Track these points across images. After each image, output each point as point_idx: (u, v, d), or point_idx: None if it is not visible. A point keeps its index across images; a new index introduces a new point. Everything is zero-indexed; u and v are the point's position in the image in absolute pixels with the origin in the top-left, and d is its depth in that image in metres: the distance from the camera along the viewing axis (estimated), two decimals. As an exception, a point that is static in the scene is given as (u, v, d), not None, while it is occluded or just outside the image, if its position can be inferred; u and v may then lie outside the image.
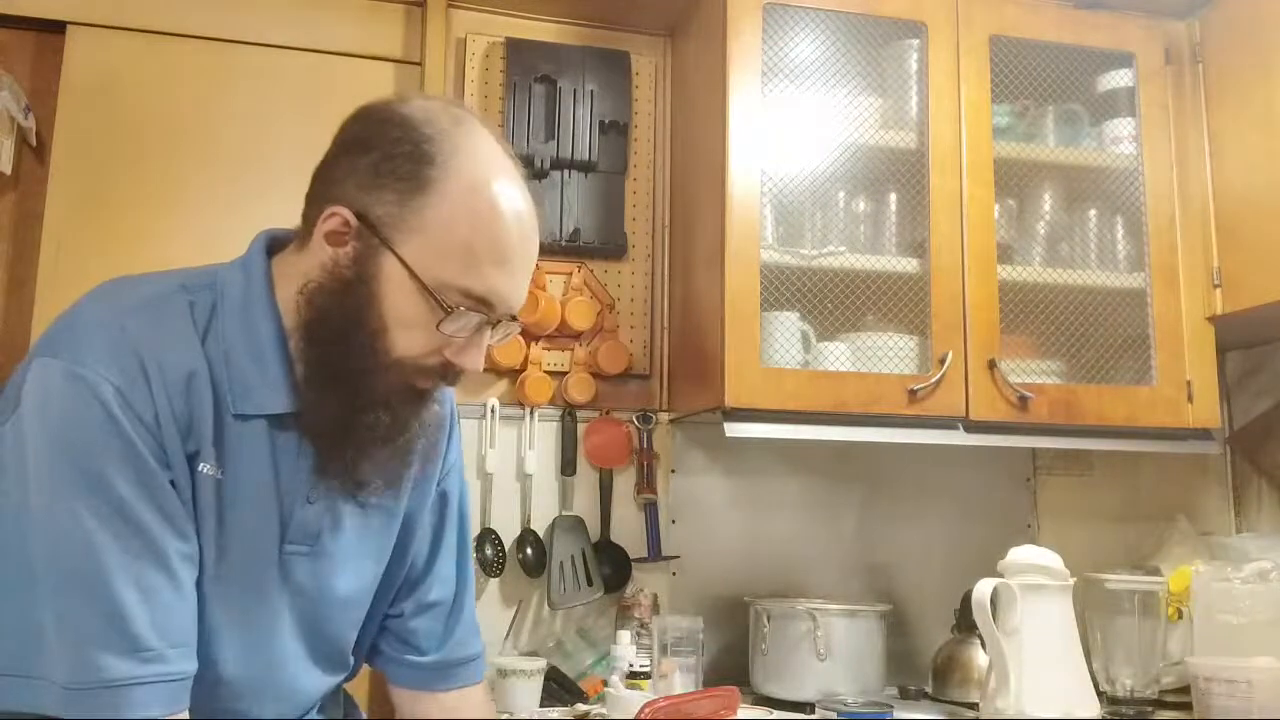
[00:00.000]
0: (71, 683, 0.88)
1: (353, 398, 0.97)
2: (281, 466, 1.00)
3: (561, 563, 1.98)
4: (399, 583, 1.20)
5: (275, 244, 1.06)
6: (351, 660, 1.18)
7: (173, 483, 0.93)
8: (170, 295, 0.98)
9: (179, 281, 1.00)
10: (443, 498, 1.22)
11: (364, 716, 1.31)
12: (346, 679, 1.20)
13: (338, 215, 0.96)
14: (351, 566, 1.10)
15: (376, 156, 0.96)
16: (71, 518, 0.88)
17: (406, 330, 0.96)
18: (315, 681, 1.11)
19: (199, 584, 0.97)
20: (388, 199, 0.95)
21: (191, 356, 0.95)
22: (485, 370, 2.05)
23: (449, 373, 1.00)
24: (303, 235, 1.01)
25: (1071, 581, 1.68)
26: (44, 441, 0.89)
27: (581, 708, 1.77)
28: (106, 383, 0.89)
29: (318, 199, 0.99)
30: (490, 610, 1.96)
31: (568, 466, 2.05)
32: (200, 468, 0.95)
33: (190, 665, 0.93)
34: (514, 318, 1.03)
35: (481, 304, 0.97)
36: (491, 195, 0.97)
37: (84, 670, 0.88)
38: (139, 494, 0.90)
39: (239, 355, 0.98)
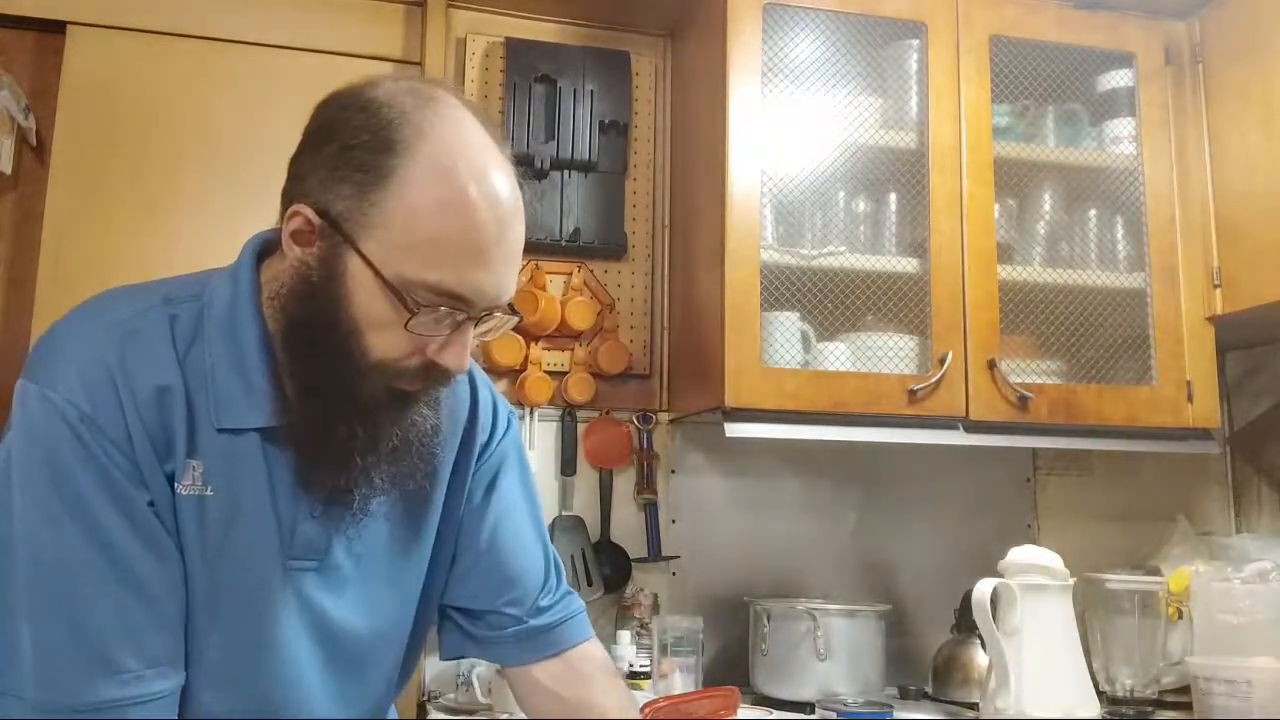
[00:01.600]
0: (41, 704, 0.86)
1: (332, 406, 0.92)
2: (279, 481, 0.96)
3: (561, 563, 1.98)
4: (447, 578, 1.14)
5: (268, 247, 1.00)
6: (393, 683, 1.11)
7: (151, 504, 0.91)
8: (150, 311, 0.95)
9: (164, 294, 0.97)
10: (490, 486, 1.15)
11: None
12: (388, 700, 1.13)
13: (300, 214, 0.90)
14: (374, 584, 1.04)
15: (337, 147, 0.90)
16: (49, 539, 0.87)
17: (379, 332, 0.90)
18: (341, 710, 1.05)
19: (192, 608, 0.94)
20: (347, 193, 0.89)
21: (165, 373, 0.92)
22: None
23: (432, 373, 0.94)
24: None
25: (1071, 581, 1.68)
26: (24, 464, 0.89)
27: (581, 708, 1.77)
28: (74, 408, 0.88)
29: (285, 196, 0.94)
30: (490, 610, 1.96)
31: (568, 466, 2.05)
32: (178, 488, 0.92)
33: (168, 682, 0.92)
34: (513, 308, 0.96)
35: (455, 300, 0.90)
36: (460, 182, 0.89)
37: (56, 691, 0.86)
38: (114, 517, 0.89)
39: (223, 368, 0.94)
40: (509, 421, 1.18)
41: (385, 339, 0.91)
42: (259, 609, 0.97)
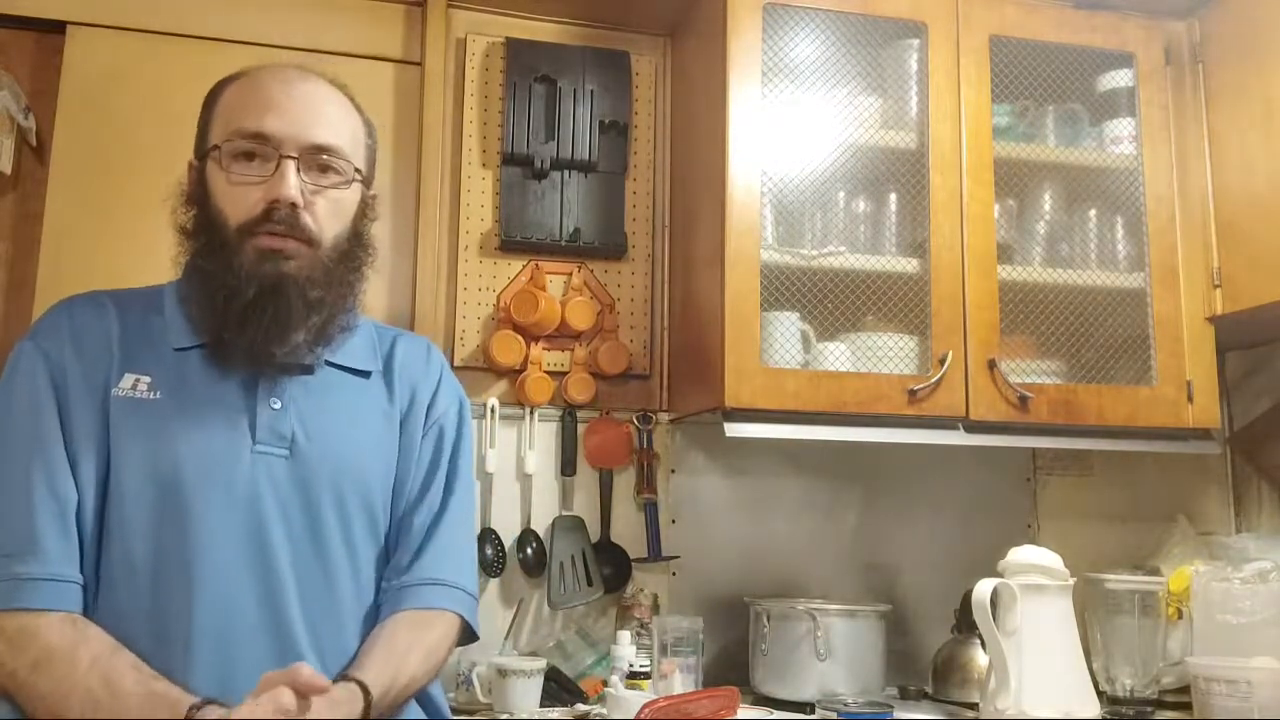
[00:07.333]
0: None
1: (222, 281, 1.13)
2: (231, 383, 1.17)
3: (561, 563, 1.98)
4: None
5: None
6: (352, 580, 1.20)
7: (62, 422, 1.11)
8: (108, 290, 1.23)
9: (129, 289, 1.25)
10: (439, 434, 1.31)
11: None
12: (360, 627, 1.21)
13: (189, 168, 1.22)
14: (350, 458, 1.20)
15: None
16: None
17: (227, 199, 1.15)
18: (306, 611, 1.14)
19: (143, 500, 1.10)
20: (201, 126, 1.21)
21: (103, 313, 1.18)
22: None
23: (275, 211, 1.14)
24: None
25: (1071, 581, 1.68)
26: None
27: (581, 708, 1.77)
28: (31, 342, 1.15)
29: None
30: (490, 610, 1.96)
31: (568, 466, 2.05)
32: (114, 392, 1.12)
33: (19, 567, 1.05)
34: (362, 177, 1.22)
35: (258, 138, 1.15)
36: (251, 72, 1.21)
37: None
38: (34, 431, 1.10)
39: (173, 310, 1.20)
40: (460, 402, 1.36)
41: (233, 201, 1.15)
42: (224, 494, 1.12)
